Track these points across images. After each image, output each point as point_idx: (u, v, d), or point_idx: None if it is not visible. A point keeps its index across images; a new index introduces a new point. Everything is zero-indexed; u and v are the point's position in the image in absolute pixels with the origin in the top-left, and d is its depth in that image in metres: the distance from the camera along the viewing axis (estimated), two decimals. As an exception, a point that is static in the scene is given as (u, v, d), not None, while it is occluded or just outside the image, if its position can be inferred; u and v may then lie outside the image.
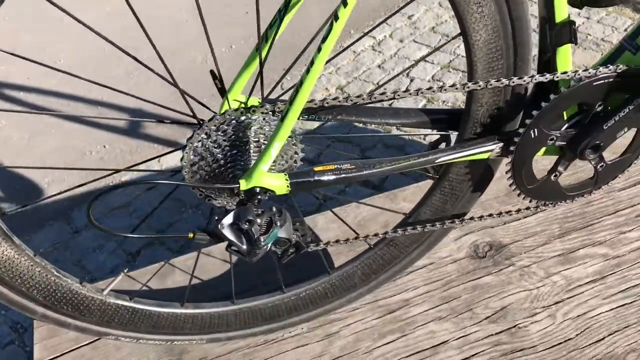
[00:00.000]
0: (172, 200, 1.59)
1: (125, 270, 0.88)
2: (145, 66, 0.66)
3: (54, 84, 2.02)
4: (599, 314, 0.94)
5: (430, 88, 0.68)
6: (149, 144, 1.76)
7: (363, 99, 0.65)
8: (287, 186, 0.68)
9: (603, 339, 0.91)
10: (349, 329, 0.95)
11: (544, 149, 0.79)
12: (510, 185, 0.81)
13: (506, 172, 0.79)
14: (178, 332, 0.91)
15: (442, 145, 0.79)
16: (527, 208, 0.87)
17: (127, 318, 0.87)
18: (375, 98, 0.66)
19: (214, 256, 1.07)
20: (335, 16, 0.61)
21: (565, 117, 0.78)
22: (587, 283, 0.98)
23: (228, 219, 0.66)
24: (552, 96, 0.73)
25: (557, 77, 0.72)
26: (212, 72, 0.66)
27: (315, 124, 1.66)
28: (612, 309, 0.94)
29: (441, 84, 0.71)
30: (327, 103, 0.65)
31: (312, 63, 0.63)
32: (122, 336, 0.89)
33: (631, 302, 0.95)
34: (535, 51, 0.73)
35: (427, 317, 0.96)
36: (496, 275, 1.01)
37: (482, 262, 1.03)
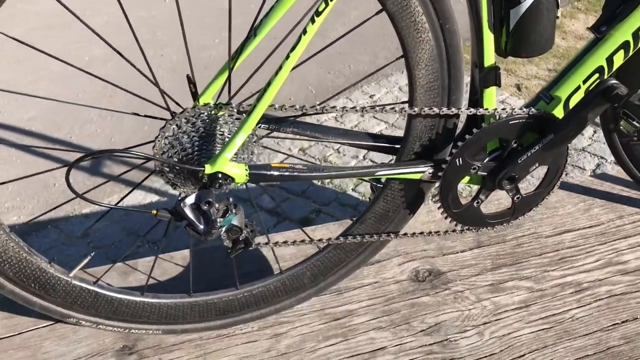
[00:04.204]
0: (131, 235, 1.66)
1: (92, 254, 0.94)
2: (128, 60, 0.76)
3: (27, 119, 2.10)
4: (521, 335, 1.04)
5: (373, 107, 0.82)
6: (112, 182, 1.82)
7: (316, 110, 0.79)
8: (246, 175, 0.79)
9: (523, 355, 1.00)
10: (296, 331, 1.03)
11: (468, 177, 0.92)
12: (438, 208, 0.94)
13: (434, 196, 0.92)
14: (136, 320, 0.97)
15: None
16: (453, 230, 0.99)
17: (90, 301, 0.94)
18: (326, 110, 0.79)
19: (175, 262, 1.16)
20: (304, 31, 0.74)
21: (488, 150, 0.92)
22: (513, 309, 1.09)
23: (190, 199, 0.75)
24: (474, 130, 0.88)
25: (480, 112, 0.87)
26: (188, 76, 0.79)
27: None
28: (533, 332, 1.04)
29: (383, 105, 0.85)
30: (285, 109, 0.78)
31: (280, 68, 0.75)
32: (83, 320, 0.95)
33: (550, 327, 1.05)
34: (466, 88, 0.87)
35: (368, 326, 1.04)
36: (433, 297, 1.11)
37: (422, 285, 1.13)
